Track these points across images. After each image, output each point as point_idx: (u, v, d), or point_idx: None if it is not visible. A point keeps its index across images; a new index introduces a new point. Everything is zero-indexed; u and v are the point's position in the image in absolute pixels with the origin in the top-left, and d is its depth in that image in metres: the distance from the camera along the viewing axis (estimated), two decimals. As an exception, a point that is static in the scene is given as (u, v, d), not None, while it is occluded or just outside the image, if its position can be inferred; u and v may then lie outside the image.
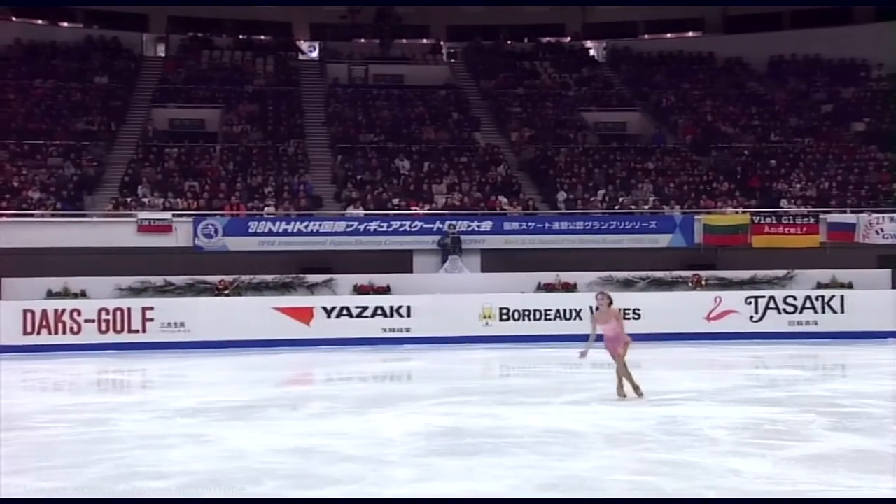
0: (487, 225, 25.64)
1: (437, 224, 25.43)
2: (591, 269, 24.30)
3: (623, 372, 11.63)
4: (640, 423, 9.98)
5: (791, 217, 26.14)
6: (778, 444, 8.74)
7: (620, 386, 11.70)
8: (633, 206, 27.67)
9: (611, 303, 11.44)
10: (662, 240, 25.80)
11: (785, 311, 22.56)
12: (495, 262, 25.23)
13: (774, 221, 25.97)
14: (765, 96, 37.42)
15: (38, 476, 7.52)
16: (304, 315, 21.56)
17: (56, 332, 20.83)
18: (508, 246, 25.58)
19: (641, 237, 25.77)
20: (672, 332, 21.73)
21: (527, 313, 22.36)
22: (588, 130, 34.08)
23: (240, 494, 6.82)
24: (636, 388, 11.63)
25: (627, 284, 24.16)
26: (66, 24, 39.55)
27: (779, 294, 22.94)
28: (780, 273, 24.25)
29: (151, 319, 21.24)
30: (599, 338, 11.72)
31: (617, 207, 27.57)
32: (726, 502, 6.11)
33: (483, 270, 25.26)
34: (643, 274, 24.38)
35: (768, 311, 22.52)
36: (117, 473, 7.60)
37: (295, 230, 25.10)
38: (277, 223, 25.22)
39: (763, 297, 22.75)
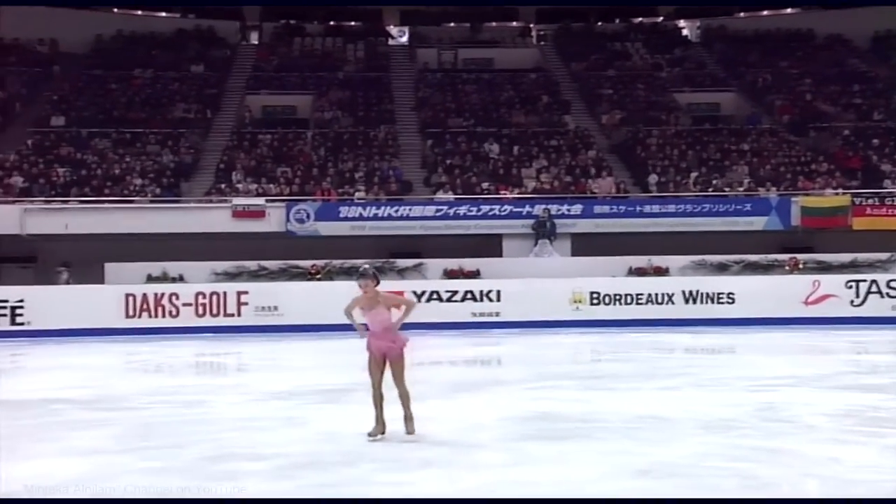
0: (578, 208, 25.40)
1: (527, 208, 25.31)
2: (684, 252, 23.90)
3: (403, 391, 8.13)
4: (736, 409, 9.77)
5: (894, 198, 25.22)
6: (881, 432, 8.46)
7: (380, 423, 8.19)
8: (726, 189, 27.09)
9: (377, 283, 7.96)
10: (758, 223, 25.20)
11: (888, 294, 21.80)
12: (585, 246, 25.00)
13: (877, 203, 25.10)
14: (867, 73, 36.12)
15: (141, 456, 7.74)
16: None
17: (155, 316, 21.39)
18: (599, 230, 25.29)
19: (736, 220, 25.21)
20: (768, 316, 21.23)
21: (618, 298, 22.09)
22: (680, 112, 33.45)
23: (336, 476, 6.91)
24: (407, 419, 8.19)
25: (721, 268, 23.67)
26: (163, 14, 40.57)
27: (881, 277, 22.17)
28: (883, 256, 23.44)
29: (246, 303, 21.63)
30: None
31: (710, 190, 27.02)
32: (736, 502, 5.97)
33: (573, 254, 25.05)
34: (738, 257, 23.84)
35: (870, 296, 21.79)
36: (215, 454, 7.77)
37: (385, 215, 25.28)
38: (368, 208, 25.45)
39: (864, 280, 22.01)
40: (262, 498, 5.78)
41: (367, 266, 8.32)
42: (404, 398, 8.14)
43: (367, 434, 8.07)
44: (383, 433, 8.13)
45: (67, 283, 22.75)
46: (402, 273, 23.50)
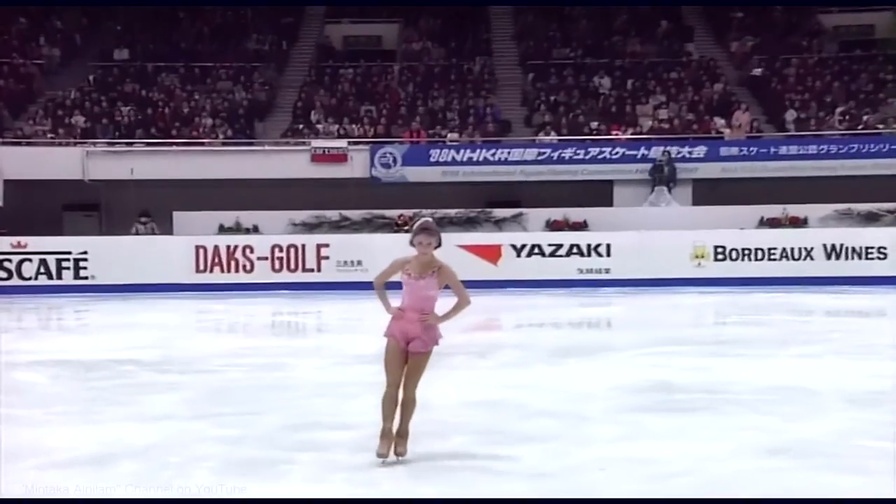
0: (701, 151, 25.01)
1: (642, 150, 25.01)
2: (826, 200, 23.38)
3: (410, 398, 6.70)
4: (886, 380, 9.51)
5: None
6: None
7: (390, 436, 6.65)
8: (880, 126, 26.31)
9: (439, 244, 6.53)
10: (916, 165, 24.47)
11: None
12: (710, 193, 24.61)
13: None
14: None
15: (216, 422, 7.94)
16: (491, 253, 21.73)
17: (228, 270, 21.86)
18: (726, 175, 24.89)
19: (889, 162, 24.60)
20: (926, 274, 20.63)
21: (747, 252, 21.70)
22: (826, 36, 32.45)
23: (429, 448, 6.98)
24: (401, 436, 6.69)
25: (870, 218, 23.07)
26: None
27: None
28: None
29: (327, 257, 21.94)
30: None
31: (860, 128, 26.26)
32: (742, 502, 5.84)
33: (695, 203, 24.70)
34: (890, 206, 23.23)
35: None
36: (297, 422, 7.92)
37: (481, 159, 25.28)
38: (461, 151, 25.47)
39: None
40: (265, 498, 5.94)
41: (429, 219, 6.65)
42: (408, 407, 6.64)
43: (376, 454, 6.50)
44: (400, 453, 6.62)
45: (152, 233, 23.28)
46: (499, 224, 23.54)
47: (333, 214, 23.96)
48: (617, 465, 6.50)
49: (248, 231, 23.55)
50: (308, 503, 5.87)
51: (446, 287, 6.57)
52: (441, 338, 6.63)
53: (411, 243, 6.52)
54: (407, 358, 6.58)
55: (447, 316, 6.58)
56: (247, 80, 30.38)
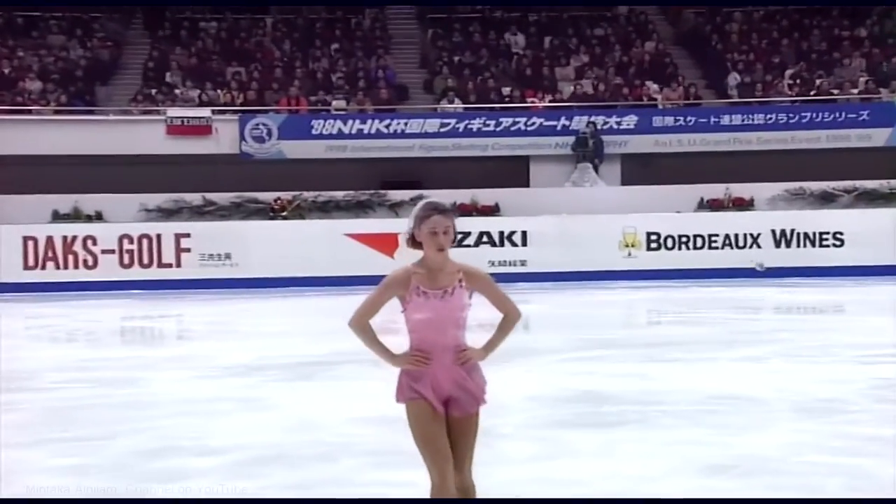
0: (631, 121, 25.36)
1: (563, 121, 25.26)
2: (775, 178, 23.88)
3: (467, 483, 5.24)
4: (843, 386, 9.84)
5: None
6: None
7: None
8: (835, 91, 26.93)
9: (455, 237, 5.05)
10: (878, 136, 25.14)
11: None
12: (641, 171, 24.98)
13: None
14: None
15: (54, 451, 7.84)
16: (386, 244, 21.72)
17: (66, 267, 21.55)
18: (659, 149, 25.28)
19: (847, 133, 25.17)
20: (887, 264, 21.25)
21: (684, 240, 22.15)
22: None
23: (310, 473, 7.01)
24: None
25: (825, 199, 23.68)
26: None
27: None
28: None
29: (188, 250, 21.78)
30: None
31: (812, 93, 26.87)
32: (742, 502, 6.10)
33: (624, 183, 25.06)
34: (848, 184, 23.85)
35: None
36: (154, 447, 7.86)
37: (373, 131, 25.27)
38: (349, 122, 25.43)
39: None
40: (264, 498, 5.96)
41: (432, 199, 5.11)
42: (470, 495, 5.26)
43: None
44: None
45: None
46: (396, 209, 23.56)
47: (195, 198, 23.72)
48: (532, 488, 6.60)
49: (89, 218, 23.17)
50: (304, 503, 5.90)
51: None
52: (486, 383, 5.16)
53: (412, 239, 5.01)
54: (445, 421, 5.04)
55: (494, 344, 5.21)
56: (85, 33, 29.79)
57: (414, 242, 5.00)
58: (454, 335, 5.02)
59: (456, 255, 5.05)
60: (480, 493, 5.26)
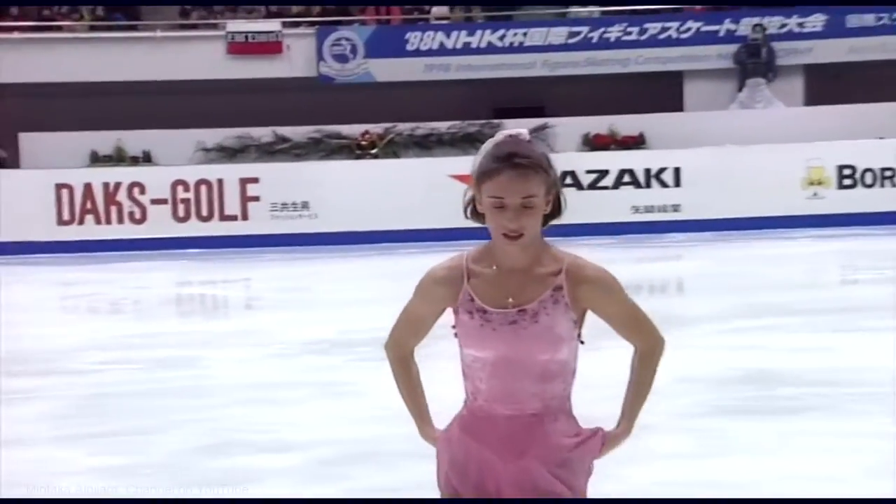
0: (818, 21, 24.95)
1: (727, 24, 24.98)
2: None
3: None
4: None
5: None
6: None
7: None
8: None
9: (555, 209, 3.76)
10: None
11: None
12: (831, 87, 24.60)
13: None
14: None
15: (93, 447, 7.99)
16: (500, 186, 21.74)
17: (108, 221, 21.87)
18: (855, 57, 24.83)
19: None
20: None
21: (888, 175, 21.78)
22: None
23: (405, 474, 7.06)
24: None
25: None
26: None
27: None
28: None
29: (256, 198, 22.03)
30: None
31: None
32: (742, 502, 5.96)
33: (808, 103, 24.75)
34: None
35: None
36: (211, 443, 8.00)
37: (483, 45, 25.22)
38: (454, 34, 25.39)
39: None
40: (263, 498, 6.07)
41: (519, 132, 3.63)
42: None
43: None
44: None
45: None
46: (513, 142, 23.49)
47: (264, 133, 23.94)
48: (686, 491, 6.57)
49: (135, 161, 23.51)
50: (307, 503, 6.02)
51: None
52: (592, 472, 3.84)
53: (471, 208, 3.66)
54: None
55: (636, 407, 3.96)
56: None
57: (476, 213, 3.64)
58: (540, 393, 3.58)
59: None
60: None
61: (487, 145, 3.58)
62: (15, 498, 6.33)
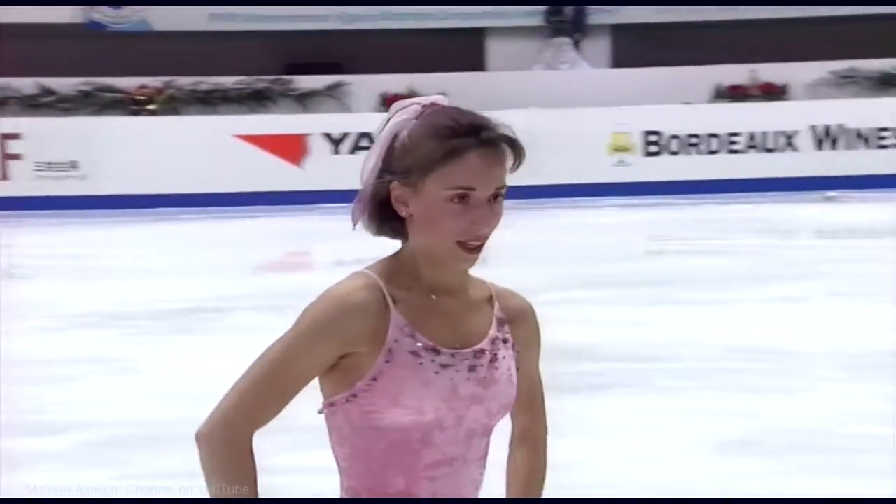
0: (624, -21, 25.31)
1: (532, -18, 25.19)
2: (815, 57, 23.92)
3: None
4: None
5: None
6: None
7: None
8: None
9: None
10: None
11: None
12: (637, 48, 24.97)
13: None
14: None
15: None
16: (290, 148, 21.70)
17: None
18: (661, 18, 25.23)
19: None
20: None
21: (694, 142, 22.22)
22: None
23: (187, 459, 7.01)
24: None
25: (883, 83, 23.77)
26: None
27: None
28: None
29: (18, 156, 21.65)
30: None
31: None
32: (742, 502, 6.24)
33: (615, 64, 25.07)
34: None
35: None
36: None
37: (273, -6, 25.08)
38: (240, -19, 25.21)
39: None
40: (267, 498, 6.04)
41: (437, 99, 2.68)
42: None
43: None
44: None
45: None
46: (305, 101, 23.44)
47: (26, 84, 23.43)
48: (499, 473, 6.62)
49: None
50: (311, 503, 5.99)
51: None
52: None
53: (378, 212, 2.72)
54: None
55: None
56: None
57: (386, 218, 2.67)
58: (478, 481, 2.76)
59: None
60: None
61: (416, 117, 2.57)
62: (15, 498, 6.16)
